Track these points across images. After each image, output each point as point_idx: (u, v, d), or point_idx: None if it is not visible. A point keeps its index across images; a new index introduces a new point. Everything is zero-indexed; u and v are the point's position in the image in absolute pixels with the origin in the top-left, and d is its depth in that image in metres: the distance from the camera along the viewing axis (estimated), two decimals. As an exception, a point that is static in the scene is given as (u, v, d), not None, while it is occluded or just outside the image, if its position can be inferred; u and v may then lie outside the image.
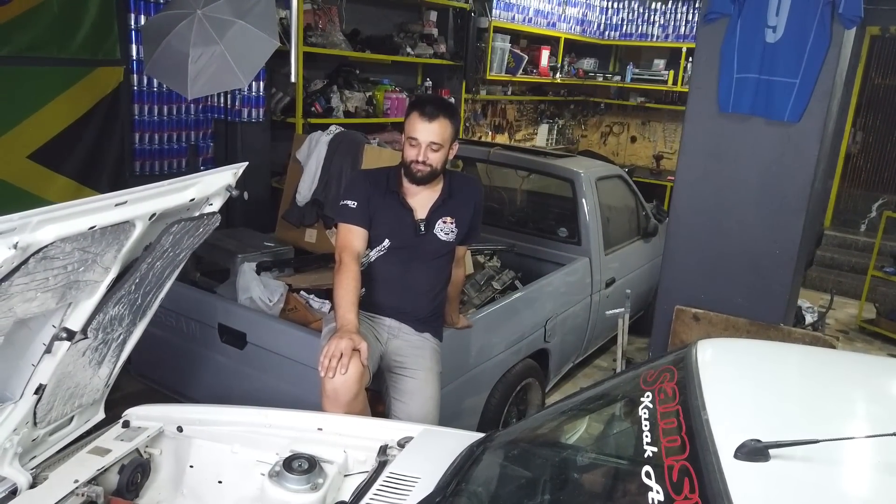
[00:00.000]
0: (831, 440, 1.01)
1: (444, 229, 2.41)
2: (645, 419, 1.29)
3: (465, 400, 2.98)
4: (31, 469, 1.75)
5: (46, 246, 1.30)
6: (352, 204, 2.35)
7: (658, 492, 1.06)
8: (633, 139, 9.33)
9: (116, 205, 1.45)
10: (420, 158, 2.29)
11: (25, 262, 1.28)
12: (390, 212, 2.37)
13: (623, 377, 1.70)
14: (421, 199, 2.40)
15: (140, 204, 1.52)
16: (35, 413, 1.70)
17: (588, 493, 1.39)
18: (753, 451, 1.03)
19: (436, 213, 2.41)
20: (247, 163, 1.89)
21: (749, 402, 1.27)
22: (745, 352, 1.54)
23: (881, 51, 7.28)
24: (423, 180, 2.34)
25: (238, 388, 2.88)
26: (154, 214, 1.59)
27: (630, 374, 1.63)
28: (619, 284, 4.21)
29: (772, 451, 1.03)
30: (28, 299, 1.39)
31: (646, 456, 1.17)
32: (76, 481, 1.72)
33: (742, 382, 1.36)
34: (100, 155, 4.12)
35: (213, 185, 1.77)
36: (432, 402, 2.35)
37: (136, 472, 1.90)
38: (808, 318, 4.10)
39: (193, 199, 1.71)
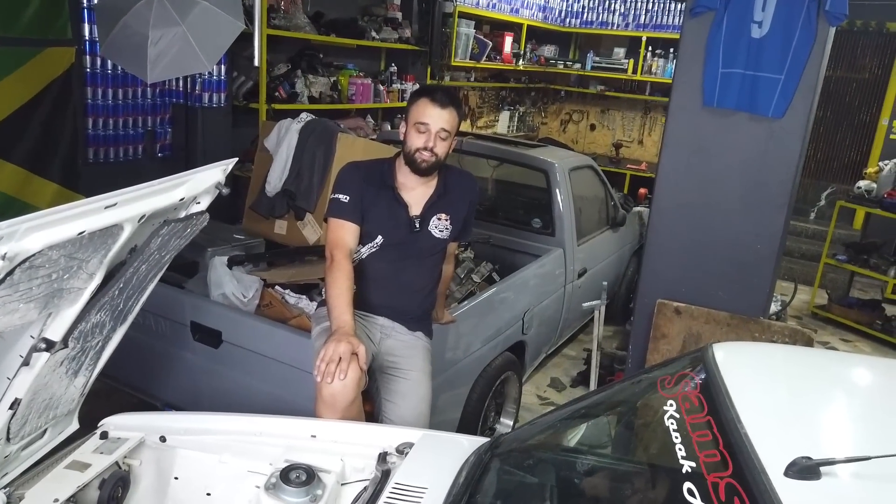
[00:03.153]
0: (885, 456, 0.99)
1: (439, 226, 2.34)
2: (674, 430, 1.25)
3: (446, 396, 2.93)
4: (4, 487, 1.62)
5: (34, 255, 1.18)
6: (343, 198, 2.25)
7: (706, 511, 1.03)
8: (593, 127, 9.39)
9: (106, 207, 1.33)
10: (429, 145, 2.20)
11: (11, 272, 1.16)
12: (384, 207, 2.28)
13: (633, 381, 1.67)
14: (416, 195, 2.32)
15: (130, 206, 1.41)
16: (9, 429, 1.57)
17: (613, 506, 1.36)
18: (805, 469, 1.01)
19: (431, 209, 2.33)
20: (236, 159, 1.78)
21: (783, 412, 1.25)
22: (764, 357, 1.53)
23: (834, 44, 7.48)
24: (427, 171, 2.25)
25: (212, 389, 2.76)
26: (143, 216, 1.48)
27: (643, 378, 1.60)
28: (589, 275, 4.23)
29: (822, 469, 1.01)
30: (10, 311, 1.27)
31: (684, 471, 1.14)
32: (56, 500, 1.61)
33: (770, 391, 1.35)
34: (51, 141, 3.88)
35: (203, 184, 1.66)
36: (424, 403, 2.29)
37: (118, 486, 1.79)
38: (773, 307, 4.19)
39: (183, 199, 1.60)
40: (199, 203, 1.72)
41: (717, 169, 2.85)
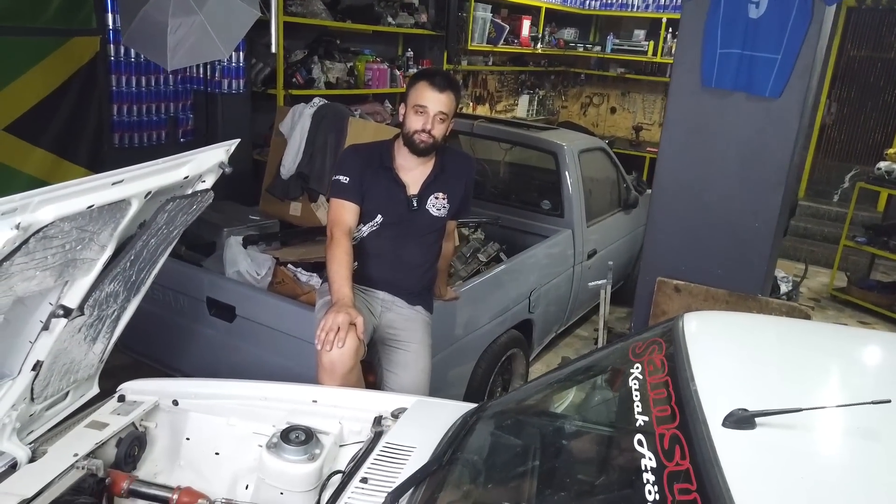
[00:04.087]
0: (813, 409, 1.07)
1: (437, 205, 2.44)
2: (635, 390, 1.34)
3: (452, 370, 3.04)
4: (30, 444, 1.77)
5: (46, 226, 1.31)
6: (344, 179, 2.36)
7: (650, 458, 1.12)
8: (613, 110, 9.36)
9: (113, 183, 1.45)
10: (427, 128, 2.30)
11: (26, 241, 1.29)
12: (383, 187, 2.39)
13: (612, 349, 1.75)
14: (414, 175, 2.42)
15: (136, 182, 1.53)
16: (32, 389, 1.71)
17: (580, 460, 1.46)
18: (741, 420, 1.09)
19: (428, 188, 2.43)
20: (238, 140, 1.89)
21: (735, 373, 1.33)
22: (729, 324, 1.61)
23: (857, 22, 7.36)
24: (425, 151, 2.35)
25: (227, 361, 2.90)
26: (150, 192, 1.59)
27: (619, 346, 1.68)
28: (600, 256, 4.29)
29: (758, 420, 1.09)
30: (28, 278, 1.39)
31: (637, 425, 1.23)
32: (76, 455, 1.75)
33: (728, 354, 1.42)
34: (78, 127, 4.05)
35: (207, 163, 1.77)
36: (424, 374, 2.40)
37: (134, 445, 1.93)
38: (784, 288, 4.21)
39: (187, 177, 1.71)
40: (204, 181, 1.83)
41: (715, 148, 2.89)
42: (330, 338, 2.01)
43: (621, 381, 1.43)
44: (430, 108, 2.30)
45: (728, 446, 1.06)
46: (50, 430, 1.87)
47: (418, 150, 2.35)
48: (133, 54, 4.29)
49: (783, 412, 1.08)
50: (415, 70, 6.28)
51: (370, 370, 2.48)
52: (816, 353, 1.46)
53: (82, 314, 1.68)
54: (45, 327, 1.61)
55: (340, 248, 2.25)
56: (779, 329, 1.62)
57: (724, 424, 1.10)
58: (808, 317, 2.74)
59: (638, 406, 1.28)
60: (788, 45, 2.64)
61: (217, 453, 1.99)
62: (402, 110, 2.41)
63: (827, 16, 2.69)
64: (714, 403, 1.16)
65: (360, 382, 2.23)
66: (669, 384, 1.29)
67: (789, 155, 2.78)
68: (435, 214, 2.44)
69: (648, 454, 1.13)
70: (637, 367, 1.42)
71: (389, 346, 2.43)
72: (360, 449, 1.79)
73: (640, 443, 1.17)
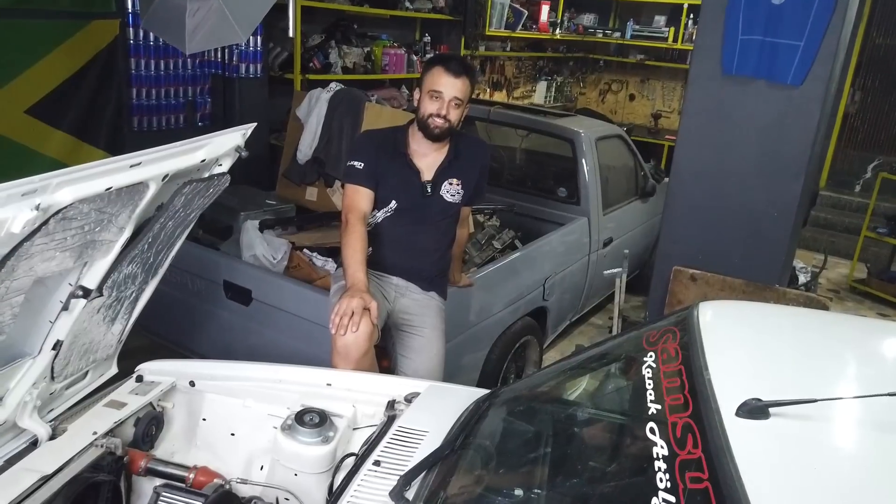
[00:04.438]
0: (828, 399, 1.07)
1: (451, 191, 2.43)
2: (649, 378, 1.34)
3: (465, 356, 3.05)
4: (50, 422, 1.81)
5: (65, 207, 1.32)
6: (358, 165, 2.36)
7: (662, 446, 1.12)
8: (632, 97, 9.27)
9: (131, 166, 1.47)
10: (443, 112, 2.29)
11: (46, 222, 1.30)
12: (397, 173, 2.39)
13: (626, 337, 1.75)
14: (428, 161, 2.42)
15: (153, 165, 1.54)
16: (52, 368, 1.74)
17: (592, 447, 1.46)
18: (754, 410, 1.09)
19: (442, 174, 2.42)
20: (255, 123, 1.89)
21: (749, 362, 1.32)
22: (744, 314, 1.59)
23: (883, 10, 7.20)
24: (440, 136, 2.35)
25: (243, 343, 2.94)
26: (167, 175, 1.61)
27: (633, 335, 1.68)
28: (616, 244, 4.27)
29: (771, 410, 1.09)
30: (47, 258, 1.42)
31: (650, 413, 1.23)
32: (95, 433, 1.78)
33: (742, 344, 1.42)
34: (98, 110, 4.08)
35: (223, 146, 1.78)
36: (438, 359, 2.41)
37: (151, 424, 1.96)
38: (802, 279, 4.16)
39: (204, 160, 1.72)
40: (220, 165, 1.84)
41: (734, 136, 2.86)
42: (344, 322, 2.03)
43: (635, 369, 1.43)
44: (445, 93, 2.29)
45: (741, 435, 1.06)
46: (69, 408, 1.90)
47: (433, 136, 2.34)
48: (152, 38, 4.31)
49: (797, 403, 1.07)
50: (432, 55, 6.26)
51: (384, 355, 2.50)
52: (832, 344, 1.45)
53: (101, 295, 1.71)
54: (65, 307, 1.64)
55: (355, 233, 2.26)
56: (794, 319, 1.60)
57: (737, 414, 1.09)
58: (825, 307, 2.72)
59: (651, 394, 1.28)
60: (811, 32, 2.59)
61: (232, 434, 2.02)
62: (416, 95, 2.41)
63: (851, 3, 2.64)
64: (727, 393, 1.16)
65: (374, 367, 2.24)
66: (683, 373, 1.28)
67: (810, 144, 2.74)
68: (449, 200, 2.44)
69: (661, 442, 1.13)
70: (651, 356, 1.42)
71: (403, 332, 2.44)
72: (374, 432, 1.80)
73: (652, 431, 1.17)
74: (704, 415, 1.12)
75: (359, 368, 2.12)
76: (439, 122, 2.31)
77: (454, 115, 2.32)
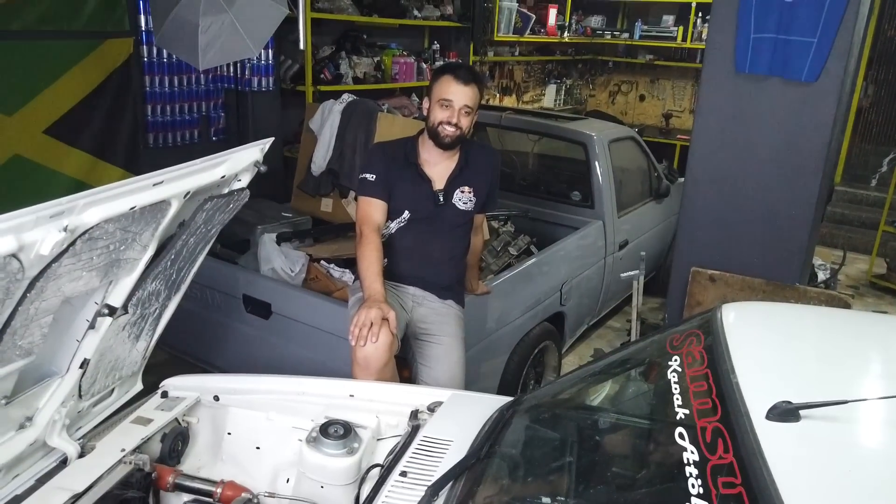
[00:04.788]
0: (859, 400, 1.06)
1: (463, 199, 2.44)
2: (675, 382, 1.33)
3: (485, 364, 3.05)
4: (79, 439, 1.82)
5: (92, 227, 1.34)
6: (370, 177, 2.38)
7: (692, 452, 1.11)
8: (642, 98, 9.24)
9: (154, 185, 1.48)
10: (453, 120, 2.30)
11: (73, 243, 1.32)
12: (409, 183, 2.40)
13: (649, 341, 1.74)
14: (439, 170, 2.43)
15: (175, 183, 1.56)
16: (80, 386, 1.76)
17: (619, 454, 1.45)
18: (785, 413, 1.08)
19: (454, 182, 2.43)
20: (272, 138, 1.91)
21: (776, 364, 1.32)
22: (768, 315, 1.58)
23: (894, 2, 7.14)
24: (451, 145, 2.36)
25: (263, 357, 2.95)
26: (188, 192, 1.62)
27: (656, 339, 1.67)
28: (632, 246, 4.25)
29: (802, 412, 1.08)
30: (75, 279, 1.44)
31: (678, 418, 1.22)
32: (123, 450, 1.79)
33: (768, 345, 1.41)
34: (114, 128, 4.13)
35: (242, 162, 1.79)
36: (458, 366, 2.41)
37: (177, 439, 1.98)
38: (821, 276, 4.12)
39: (224, 176, 1.74)
40: (240, 180, 1.86)
41: (750, 135, 2.84)
42: (363, 333, 2.04)
43: (659, 373, 1.43)
44: (455, 101, 2.30)
45: (772, 439, 1.05)
46: (97, 426, 1.92)
47: (444, 144, 2.35)
48: (165, 55, 4.36)
49: (828, 404, 1.06)
50: (441, 62, 6.28)
51: (404, 366, 2.50)
52: (859, 343, 1.44)
53: (126, 312, 1.73)
54: (92, 326, 1.66)
55: (370, 245, 2.27)
56: (819, 319, 1.59)
57: (767, 417, 1.09)
58: (847, 305, 2.69)
59: (678, 399, 1.27)
60: (825, 28, 2.58)
61: (258, 447, 2.03)
62: (425, 104, 2.42)
63: (865, -2, 2.63)
64: (756, 396, 1.15)
65: (395, 377, 2.25)
66: (710, 377, 1.28)
67: (827, 140, 2.72)
68: (461, 208, 2.45)
69: (690, 447, 1.12)
70: (675, 360, 1.41)
71: (422, 341, 2.45)
72: (398, 443, 1.80)
73: (681, 436, 1.17)
74: (734, 419, 1.12)
75: (380, 379, 2.13)
76: (450, 130, 2.32)
77: (465, 123, 2.33)
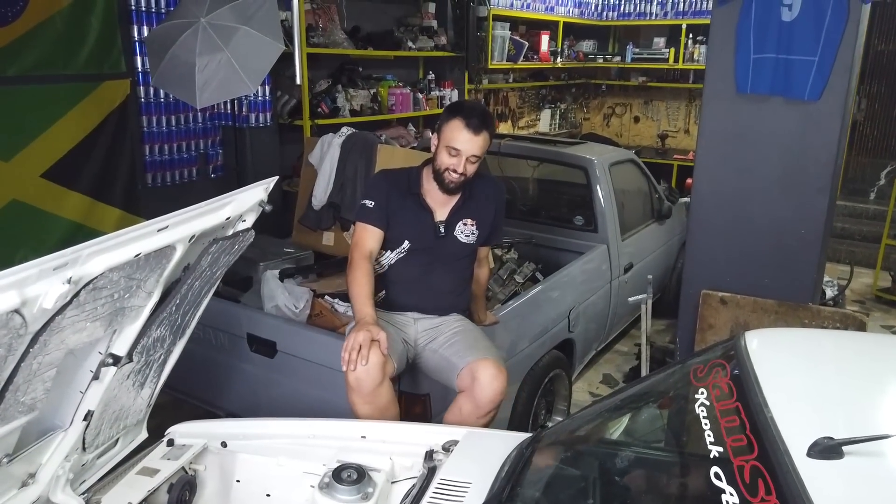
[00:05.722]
0: (905, 434, 1.01)
1: (465, 231, 2.41)
2: (704, 417, 1.28)
3: (495, 395, 2.98)
4: (83, 494, 1.76)
5: (96, 277, 1.30)
6: (369, 203, 2.36)
7: (732, 493, 1.06)
8: (637, 119, 9.28)
9: (158, 230, 1.45)
10: (459, 170, 2.28)
11: (77, 294, 1.28)
12: (410, 213, 2.38)
13: (670, 372, 1.69)
14: (441, 201, 2.40)
15: (180, 227, 1.52)
16: (84, 439, 1.71)
17: (648, 493, 1.40)
18: (827, 449, 1.03)
19: (456, 214, 2.41)
20: (276, 177, 1.88)
21: (809, 396, 1.27)
22: (794, 341, 1.54)
23: (882, 16, 7.21)
24: (454, 190, 2.35)
25: (269, 396, 2.88)
26: (193, 236, 1.59)
27: (677, 369, 1.62)
28: (637, 269, 4.21)
29: (845, 448, 1.03)
30: (79, 330, 1.39)
31: (711, 456, 1.17)
32: (129, 503, 1.74)
33: (799, 375, 1.36)
34: (112, 169, 4.11)
35: (247, 202, 1.76)
36: (482, 338, 2.36)
37: (185, 489, 1.92)
38: (829, 293, 4.09)
39: (229, 218, 1.71)
40: (244, 221, 1.83)
41: (755, 155, 2.82)
42: (353, 357, 2.01)
43: (686, 407, 1.38)
44: (463, 150, 2.28)
45: (816, 479, 1.00)
46: (102, 478, 1.86)
47: (448, 189, 2.34)
48: (162, 94, 4.36)
49: (872, 439, 1.01)
50: (437, 92, 6.30)
51: (417, 401, 2.45)
52: (891, 368, 1.39)
53: (131, 361, 1.68)
54: (96, 377, 1.61)
55: (360, 270, 2.26)
56: (847, 344, 1.54)
57: (809, 455, 1.04)
58: (863, 324, 2.65)
59: (710, 435, 1.22)
60: (825, 46, 2.58)
61: (268, 495, 1.97)
62: (433, 141, 2.39)
63: (863, 14, 2.63)
64: (794, 431, 1.10)
65: (393, 400, 2.19)
66: (741, 410, 1.23)
67: (833, 158, 2.71)
68: (463, 241, 2.42)
69: (729, 489, 1.07)
70: (702, 393, 1.36)
71: (433, 344, 2.39)
72: (415, 485, 1.75)
73: (717, 476, 1.12)
74: (773, 457, 1.07)
75: (375, 402, 2.09)
76: (455, 177, 2.30)
77: (470, 170, 2.31)
